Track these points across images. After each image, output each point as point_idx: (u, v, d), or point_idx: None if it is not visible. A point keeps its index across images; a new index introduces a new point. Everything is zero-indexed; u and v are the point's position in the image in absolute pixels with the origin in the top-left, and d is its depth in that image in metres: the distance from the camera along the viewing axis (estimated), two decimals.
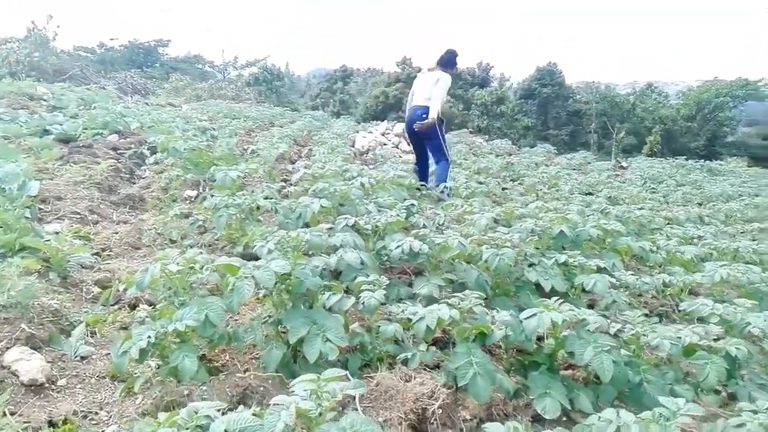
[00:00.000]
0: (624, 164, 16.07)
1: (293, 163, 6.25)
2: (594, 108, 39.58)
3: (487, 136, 25.37)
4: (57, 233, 3.53)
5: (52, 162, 5.09)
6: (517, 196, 7.28)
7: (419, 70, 46.91)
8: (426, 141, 6.59)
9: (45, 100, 9.96)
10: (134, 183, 5.20)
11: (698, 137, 37.81)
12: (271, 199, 3.56)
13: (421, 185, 5.90)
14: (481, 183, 7.77)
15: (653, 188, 10.01)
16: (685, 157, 18.17)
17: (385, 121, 11.96)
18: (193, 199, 4.63)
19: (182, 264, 2.09)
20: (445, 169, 6.47)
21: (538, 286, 3.09)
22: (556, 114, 42.23)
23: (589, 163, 14.61)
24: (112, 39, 40.96)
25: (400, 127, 11.16)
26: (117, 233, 3.76)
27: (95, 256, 3.33)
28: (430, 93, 6.64)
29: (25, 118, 7.13)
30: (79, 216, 3.91)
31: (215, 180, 4.34)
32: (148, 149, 6.42)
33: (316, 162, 5.88)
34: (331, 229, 2.92)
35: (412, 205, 3.66)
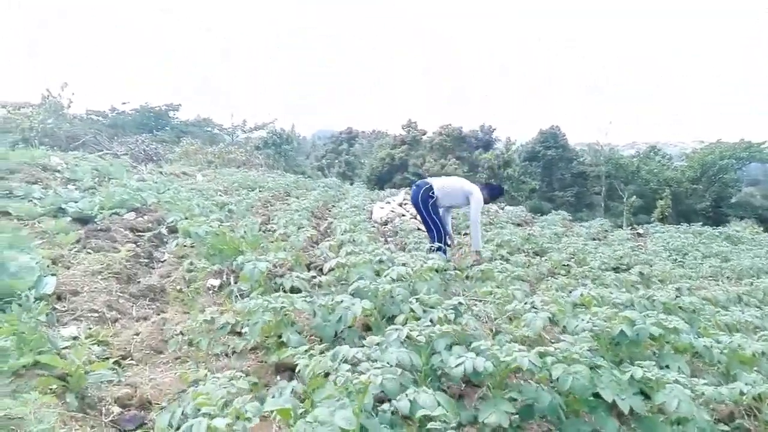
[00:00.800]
0: (640, 231, 15.81)
1: (316, 243, 6.00)
2: (599, 170, 39.76)
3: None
4: (75, 339, 3.23)
5: (68, 247, 4.83)
6: (548, 275, 6.97)
7: (424, 133, 47.75)
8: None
9: (59, 172, 9.84)
10: (153, 269, 4.92)
11: (704, 199, 37.79)
12: (308, 298, 3.27)
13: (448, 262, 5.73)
14: (507, 260, 7.50)
15: (680, 261, 9.71)
16: (700, 222, 17.94)
17: (402, 191, 11.79)
18: (216, 289, 4.34)
19: (229, 416, 1.77)
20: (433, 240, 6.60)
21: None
22: (560, 176, 42.51)
23: (606, 230, 14.37)
24: (123, 103, 41.71)
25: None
26: (138, 334, 3.45)
27: (115, 367, 3.01)
28: (455, 195, 6.76)
29: (39, 194, 6.95)
30: (97, 314, 3.61)
31: (241, 269, 4.08)
32: (166, 229, 6.19)
33: (343, 245, 5.62)
34: (379, 344, 2.61)
35: (460, 303, 3.35)
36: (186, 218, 6.40)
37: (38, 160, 10.19)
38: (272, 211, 8.65)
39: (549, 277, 6.87)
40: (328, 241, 5.60)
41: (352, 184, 27.36)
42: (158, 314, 3.93)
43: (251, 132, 39.11)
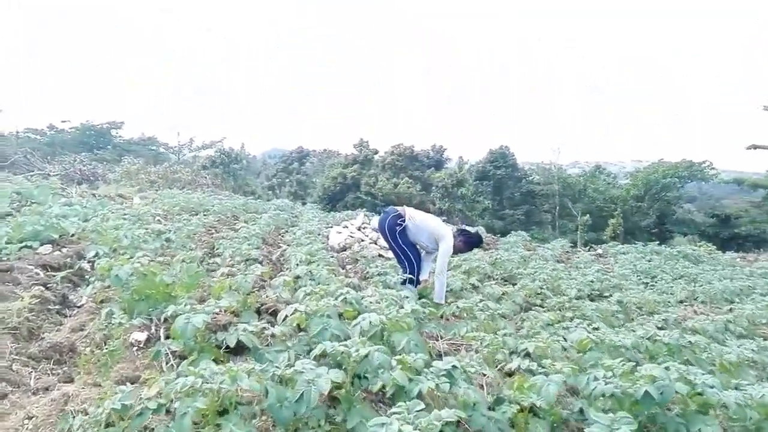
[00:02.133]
0: (600, 251, 15.58)
1: (268, 278, 5.17)
2: (548, 189, 40.27)
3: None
4: None
5: None
6: (524, 306, 6.36)
7: (376, 152, 47.38)
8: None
9: None
10: (65, 318, 4.00)
11: (648, 216, 38.56)
12: (259, 367, 2.48)
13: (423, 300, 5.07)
14: (476, 287, 6.86)
15: (651, 285, 9.33)
16: (645, 239, 17.92)
17: (360, 214, 11.06)
18: (142, 346, 3.47)
19: None
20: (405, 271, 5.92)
21: None
22: (510, 195, 42.77)
23: (567, 251, 14.03)
24: (63, 121, 39.84)
25: (377, 220, 10.28)
26: (31, 418, 2.58)
27: None
28: (424, 233, 5.98)
29: None
30: None
31: (173, 322, 3.25)
32: (89, 264, 5.25)
33: (299, 279, 4.84)
34: None
35: (454, 367, 2.63)
36: (114, 250, 5.49)
37: None
38: (217, 238, 7.75)
39: (527, 310, 6.26)
40: (282, 275, 4.79)
41: (304, 204, 26.49)
42: (65, 382, 3.05)
43: (198, 151, 37.75)
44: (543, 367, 2.98)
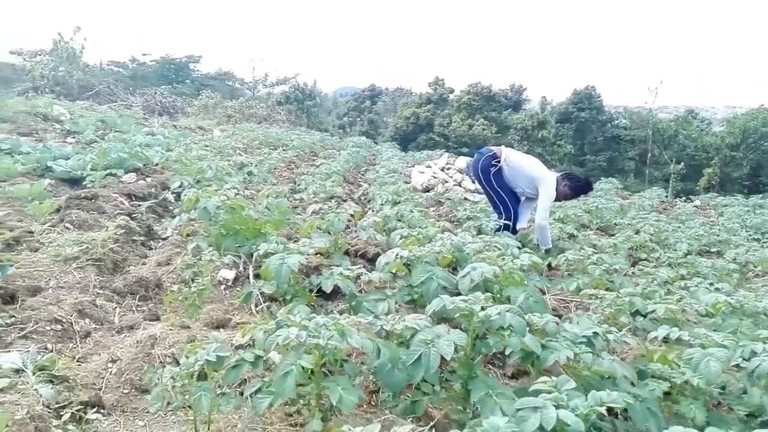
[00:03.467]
0: (697, 203, 14.40)
1: (357, 219, 4.82)
2: (634, 134, 37.93)
3: None
4: (18, 372, 2.16)
5: (42, 220, 3.75)
6: (632, 262, 5.76)
7: (451, 91, 45.95)
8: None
9: (60, 122, 8.76)
10: (150, 250, 3.82)
11: (741, 167, 35.73)
12: (368, 319, 2.13)
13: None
14: (572, 236, 6.30)
15: (763, 241, 8.39)
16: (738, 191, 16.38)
17: (445, 154, 10.51)
18: (230, 284, 3.22)
19: None
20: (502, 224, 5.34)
21: None
22: (593, 139, 40.65)
23: (662, 201, 13.02)
24: (144, 54, 40.73)
25: (463, 160, 9.72)
26: (115, 361, 2.36)
27: (73, 419, 1.94)
28: (522, 177, 5.40)
29: (27, 148, 5.87)
30: (61, 326, 2.53)
31: (264, 260, 2.96)
32: (173, 194, 5.09)
33: (388, 222, 4.47)
34: None
35: (595, 334, 2.19)
36: (197, 181, 5.29)
37: (38, 109, 9.12)
38: (298, 174, 7.49)
39: (633, 264, 5.66)
40: (370, 216, 4.43)
41: (375, 143, 26.06)
42: (150, 320, 2.85)
43: (273, 87, 37.67)
44: (695, 337, 2.47)
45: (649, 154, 34.94)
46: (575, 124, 40.36)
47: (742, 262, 6.31)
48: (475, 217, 6.12)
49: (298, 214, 4.69)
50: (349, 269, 3.00)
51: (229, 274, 3.25)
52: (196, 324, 2.65)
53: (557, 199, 5.52)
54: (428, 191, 8.18)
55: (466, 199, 7.73)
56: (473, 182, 7.74)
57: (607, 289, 4.16)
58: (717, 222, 9.88)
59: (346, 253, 3.81)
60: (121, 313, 2.90)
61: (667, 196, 15.39)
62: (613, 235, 7.67)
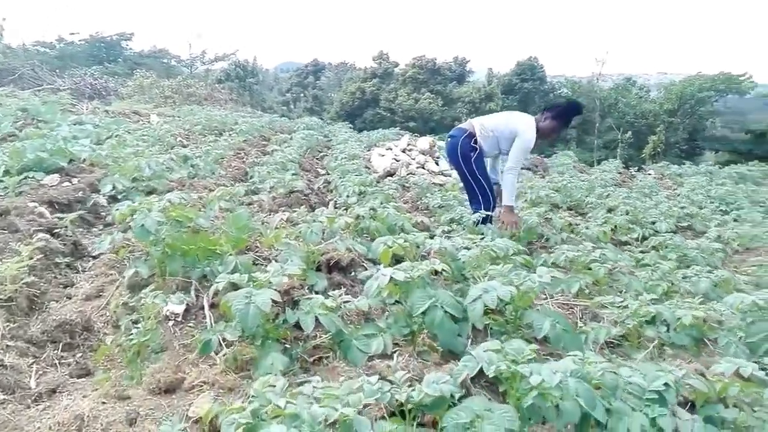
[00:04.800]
0: (651, 172, 14.41)
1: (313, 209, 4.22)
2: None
3: None
4: None
5: None
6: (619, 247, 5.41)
7: (396, 65, 45.42)
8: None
9: None
10: (78, 274, 3.11)
11: (678, 132, 36.76)
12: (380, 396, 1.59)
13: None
14: (547, 219, 5.90)
15: (735, 214, 8.28)
16: (689, 159, 16.60)
17: (406, 135, 9.93)
18: (178, 319, 2.59)
19: None
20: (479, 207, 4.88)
21: None
22: (536, 110, 41.02)
23: (620, 173, 12.92)
24: (72, 33, 38.13)
25: (425, 141, 9.17)
26: None
27: None
28: (503, 139, 4.87)
29: None
30: None
31: (223, 293, 2.36)
32: (105, 198, 4.35)
33: (361, 220, 3.90)
34: None
35: (666, 386, 1.72)
36: (134, 182, 4.56)
37: None
38: (250, 164, 6.77)
39: (623, 250, 5.32)
40: (342, 216, 3.84)
41: (321, 119, 25.20)
42: (79, 376, 2.21)
43: (212, 63, 36.06)
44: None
45: (597, 124, 35.45)
46: (519, 95, 40.61)
47: (725, 240, 6.09)
48: (448, 206, 5.64)
49: (258, 217, 4.05)
50: (330, 295, 2.43)
51: (178, 308, 2.62)
52: (138, 392, 2.03)
53: (547, 137, 5.02)
54: (391, 175, 7.63)
55: (433, 183, 7.21)
56: (451, 168, 7.21)
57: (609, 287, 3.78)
58: (680, 193, 9.76)
59: (319, 266, 3.22)
60: (40, 372, 2.24)
61: (626, 168, 15.37)
62: (584, 214, 7.37)
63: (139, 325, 2.29)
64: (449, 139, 5.10)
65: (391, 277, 2.39)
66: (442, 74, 42.62)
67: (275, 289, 2.24)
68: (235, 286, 2.35)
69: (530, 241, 5.45)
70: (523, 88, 40.79)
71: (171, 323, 2.60)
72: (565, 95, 40.17)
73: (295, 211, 3.29)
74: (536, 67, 42.36)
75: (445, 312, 2.32)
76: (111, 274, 3.03)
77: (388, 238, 3.10)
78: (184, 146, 7.05)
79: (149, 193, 4.52)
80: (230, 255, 2.76)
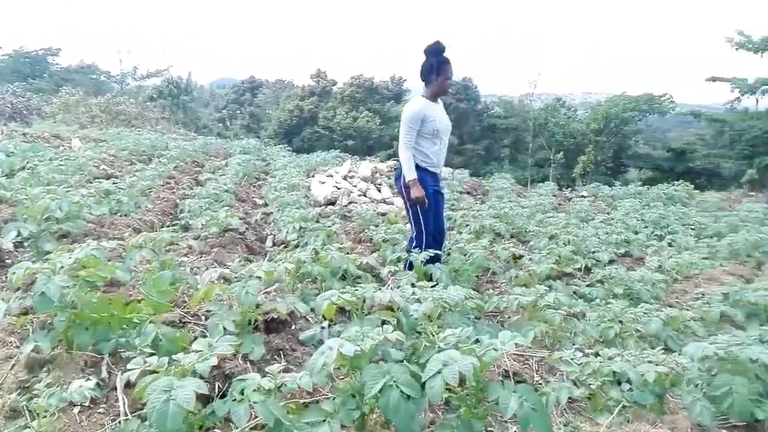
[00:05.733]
0: (584, 194, 14.77)
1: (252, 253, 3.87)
2: (508, 123, 39.69)
3: None
4: None
5: None
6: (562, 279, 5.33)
7: (334, 84, 45.50)
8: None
9: None
10: None
11: (604, 150, 38.28)
12: None
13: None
14: (492, 251, 5.78)
15: (669, 239, 8.47)
16: (615, 176, 17.23)
17: (347, 160, 9.64)
18: (87, 405, 2.21)
19: None
20: (413, 243, 4.62)
21: None
22: (471, 129, 41.87)
23: (555, 195, 13.15)
24: None
25: (367, 167, 8.92)
26: None
27: None
28: (414, 133, 4.53)
29: None
30: None
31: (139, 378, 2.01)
32: (12, 243, 3.86)
33: (302, 266, 3.61)
34: None
35: None
36: (45, 223, 4.08)
37: None
38: (180, 195, 6.32)
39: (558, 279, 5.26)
40: (280, 260, 3.53)
41: (258, 137, 24.60)
42: None
43: (143, 80, 34.68)
44: None
45: (531, 144, 36.47)
46: (455, 114, 41.23)
47: (665, 269, 6.15)
48: (393, 239, 5.42)
49: (186, 262, 3.68)
50: (268, 372, 2.12)
51: (87, 383, 2.23)
52: None
53: (444, 90, 4.63)
54: (332, 204, 7.34)
55: (376, 213, 6.97)
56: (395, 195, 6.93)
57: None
58: (614, 218, 9.92)
59: (256, 326, 2.89)
60: None
61: (561, 189, 15.69)
62: (527, 242, 7.33)
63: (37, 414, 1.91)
64: (396, 171, 4.85)
65: (339, 350, 2.11)
66: (379, 93, 42.91)
67: (202, 377, 1.91)
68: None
69: (477, 275, 5.32)
70: (459, 107, 41.47)
71: (77, 410, 2.22)
72: (498, 114, 41.19)
73: (227, 266, 2.95)
74: (471, 87, 43.21)
75: (401, 392, 2.05)
76: (10, 343, 2.60)
77: (333, 293, 2.81)
78: (108, 176, 6.51)
79: (62, 236, 4.06)
80: (150, 323, 2.39)
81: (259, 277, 2.76)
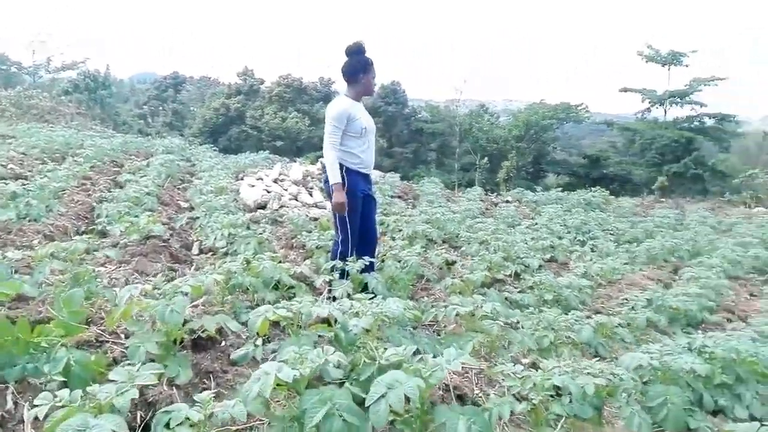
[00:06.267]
0: (509, 199, 15.17)
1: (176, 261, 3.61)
2: (435, 127, 40.44)
3: None
4: None
5: None
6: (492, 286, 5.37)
7: (262, 83, 44.71)
8: None
9: None
10: None
11: (524, 156, 39.66)
12: None
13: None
14: (424, 257, 5.77)
15: (591, 244, 8.80)
16: (534, 181, 17.86)
17: (277, 164, 9.31)
18: None
19: None
20: (337, 252, 4.42)
21: None
22: (399, 132, 42.28)
23: (482, 200, 13.39)
24: None
25: (298, 170, 8.68)
26: None
27: None
28: (339, 134, 4.38)
29: None
30: None
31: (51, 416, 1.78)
32: None
33: (232, 277, 3.41)
34: None
35: None
36: None
37: None
38: (97, 199, 5.88)
39: (490, 286, 5.31)
40: (209, 271, 3.31)
41: (182, 135, 23.60)
42: None
43: (58, 72, 32.53)
44: None
45: (457, 150, 37.22)
46: (384, 117, 41.48)
47: (590, 274, 6.35)
48: (326, 246, 5.28)
49: (102, 272, 3.39)
50: (197, 404, 1.94)
51: None
52: None
53: (368, 91, 4.53)
54: (262, 208, 7.09)
55: (308, 217, 6.79)
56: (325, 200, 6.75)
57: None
58: (538, 223, 10.20)
59: (183, 344, 2.68)
60: None
61: (487, 193, 16.01)
62: (458, 247, 7.39)
63: None
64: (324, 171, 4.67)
65: (276, 376, 1.96)
66: (308, 94, 42.50)
67: (121, 411, 1.71)
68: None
69: (412, 283, 5.28)
70: (387, 111, 41.69)
71: None
72: (425, 119, 41.75)
73: (149, 280, 2.71)
74: (399, 92, 43.54)
75: (344, 420, 1.93)
76: None
77: (268, 308, 2.65)
78: (17, 176, 5.98)
79: None
80: (61, 346, 2.15)
81: (186, 293, 2.56)
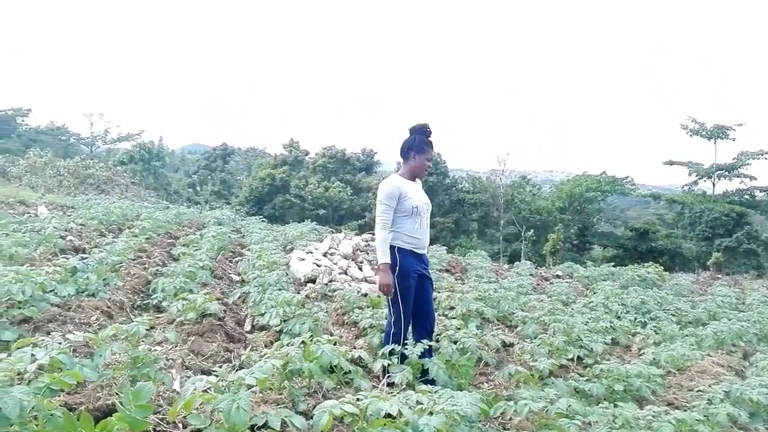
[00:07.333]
0: (559, 273, 14.75)
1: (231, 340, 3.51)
2: (476, 198, 40.39)
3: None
4: None
5: None
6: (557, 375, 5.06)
7: (307, 153, 45.99)
8: None
9: None
10: None
11: (569, 228, 38.98)
12: None
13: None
14: (479, 337, 5.51)
15: (652, 326, 8.34)
16: (580, 253, 17.35)
17: (327, 237, 9.34)
18: None
19: None
20: (390, 333, 4.25)
21: None
22: (440, 202, 42.39)
23: (532, 274, 13.05)
24: None
25: (348, 244, 8.66)
26: None
27: None
28: (389, 214, 4.29)
29: None
30: None
31: None
32: None
33: (289, 364, 3.27)
34: None
35: None
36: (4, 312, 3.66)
37: None
38: (153, 272, 5.92)
39: (553, 374, 4.98)
40: (268, 358, 3.19)
41: (229, 203, 24.15)
42: None
43: (114, 143, 34.30)
44: None
45: (502, 221, 36.99)
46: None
47: (659, 362, 5.95)
48: (380, 326, 5.11)
49: (158, 353, 3.30)
50: None
51: None
52: None
53: (420, 173, 4.45)
54: (312, 281, 7.01)
55: (359, 293, 6.65)
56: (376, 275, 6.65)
57: None
58: (594, 302, 9.78)
59: None
60: None
61: (536, 267, 15.66)
62: (514, 326, 7.10)
63: None
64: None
65: None
66: (351, 164, 43.44)
67: None
68: None
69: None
70: (428, 181, 42.03)
71: None
72: (467, 189, 41.81)
73: (214, 372, 2.59)
74: (440, 162, 44.04)
75: None
76: None
77: (333, 403, 2.50)
78: (76, 249, 6.10)
79: (23, 321, 3.65)
80: None
81: (250, 386, 2.43)
